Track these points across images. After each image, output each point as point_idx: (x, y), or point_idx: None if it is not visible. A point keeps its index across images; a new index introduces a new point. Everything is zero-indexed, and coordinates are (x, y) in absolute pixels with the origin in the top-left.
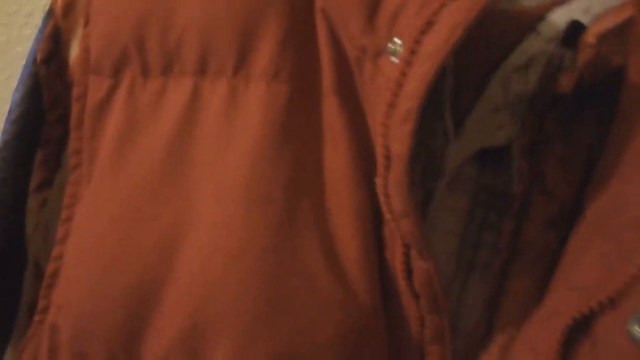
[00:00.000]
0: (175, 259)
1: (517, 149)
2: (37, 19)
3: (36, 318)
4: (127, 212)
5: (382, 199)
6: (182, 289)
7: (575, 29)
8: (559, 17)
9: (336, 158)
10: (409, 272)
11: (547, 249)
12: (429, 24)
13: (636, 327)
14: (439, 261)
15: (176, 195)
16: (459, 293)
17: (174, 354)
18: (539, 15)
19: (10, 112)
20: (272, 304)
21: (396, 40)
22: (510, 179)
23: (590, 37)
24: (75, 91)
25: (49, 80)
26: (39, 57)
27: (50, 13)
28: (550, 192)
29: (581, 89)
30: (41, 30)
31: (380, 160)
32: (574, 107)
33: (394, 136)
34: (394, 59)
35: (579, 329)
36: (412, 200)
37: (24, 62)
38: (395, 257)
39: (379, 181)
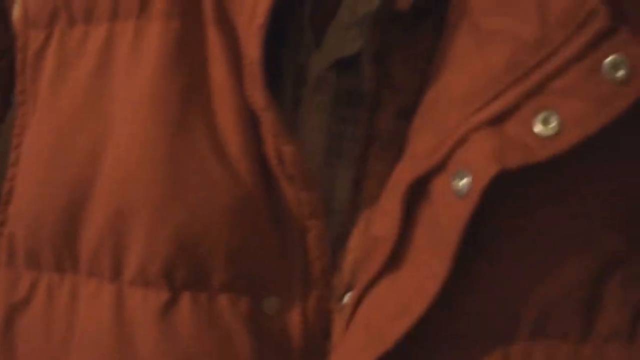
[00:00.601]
0: (100, 160)
1: (366, 56)
2: None
3: None
4: (62, 132)
5: (248, 96)
6: (106, 182)
7: None
8: None
9: (220, 72)
10: (280, 157)
11: (398, 135)
12: None
13: (457, 183)
14: (311, 152)
15: (99, 113)
16: (330, 177)
17: (103, 238)
18: None
19: None
20: (174, 186)
21: None
22: (363, 80)
23: None
24: (18, 43)
25: None
26: None
27: None
28: (397, 88)
29: (418, 4)
30: None
31: (245, 64)
32: (412, 19)
33: (250, 40)
34: None
35: (420, 191)
36: (268, 96)
37: None
38: (268, 145)
39: (245, 82)
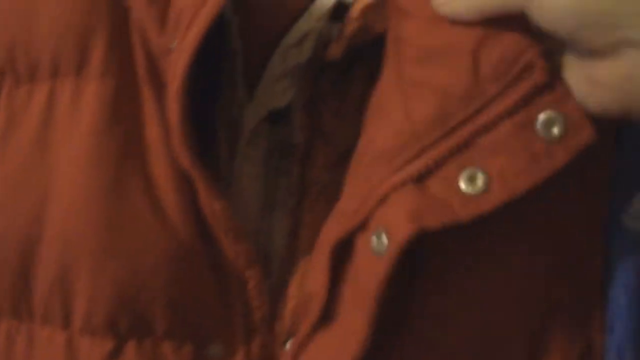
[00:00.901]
0: (46, 214)
1: (297, 107)
2: None
3: None
4: (9, 185)
5: (175, 155)
6: (52, 236)
7: (341, 7)
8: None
9: (154, 130)
10: (213, 212)
11: (333, 185)
12: (195, 16)
13: (376, 242)
14: (248, 203)
15: (44, 168)
16: (268, 227)
17: (53, 288)
18: None
19: None
20: (112, 241)
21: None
22: (295, 131)
23: (355, 11)
24: None
25: None
26: None
27: None
28: (328, 139)
29: (350, 54)
30: None
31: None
32: (344, 69)
33: (170, 104)
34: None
35: (346, 249)
36: (192, 155)
37: None
38: (201, 200)
39: (170, 143)
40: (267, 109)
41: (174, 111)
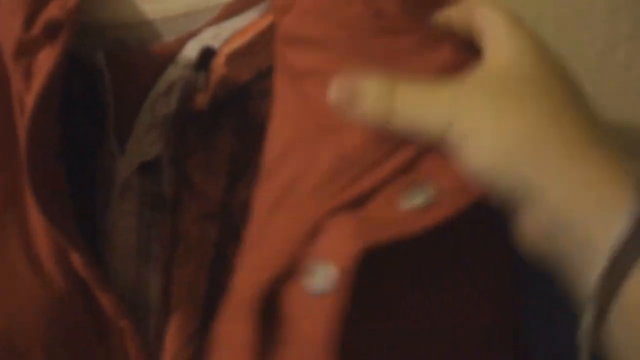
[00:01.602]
0: None
1: (165, 160)
2: None
3: None
4: None
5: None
6: None
7: (207, 54)
8: (193, 46)
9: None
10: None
11: (204, 239)
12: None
13: (313, 280)
14: (123, 254)
15: None
16: (144, 281)
17: None
18: (178, 47)
19: None
20: None
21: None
22: (164, 184)
23: (220, 59)
24: None
25: None
26: None
27: None
28: (197, 191)
29: (216, 103)
30: None
31: None
32: (212, 120)
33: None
34: None
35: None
36: (42, 212)
37: None
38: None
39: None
40: (138, 161)
41: (24, 159)
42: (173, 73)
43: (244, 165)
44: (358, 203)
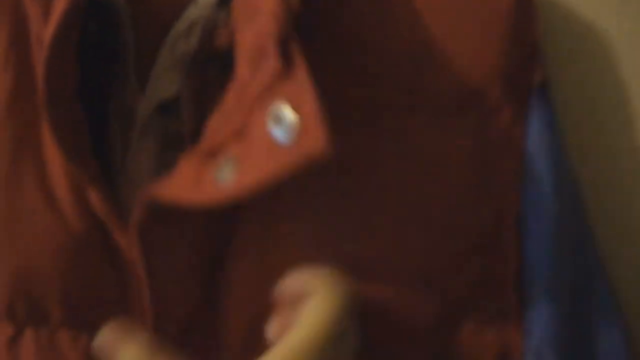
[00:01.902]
0: None
1: (184, 98)
2: None
3: None
4: None
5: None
6: None
7: None
8: None
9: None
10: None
11: None
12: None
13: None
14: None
15: None
16: None
17: None
18: None
19: None
20: (6, 234)
21: None
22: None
23: None
24: None
25: None
26: None
27: None
28: None
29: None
30: None
31: None
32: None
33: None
34: None
35: None
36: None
37: None
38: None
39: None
40: (158, 100)
41: (42, 93)
42: (194, 12)
43: None
44: None
